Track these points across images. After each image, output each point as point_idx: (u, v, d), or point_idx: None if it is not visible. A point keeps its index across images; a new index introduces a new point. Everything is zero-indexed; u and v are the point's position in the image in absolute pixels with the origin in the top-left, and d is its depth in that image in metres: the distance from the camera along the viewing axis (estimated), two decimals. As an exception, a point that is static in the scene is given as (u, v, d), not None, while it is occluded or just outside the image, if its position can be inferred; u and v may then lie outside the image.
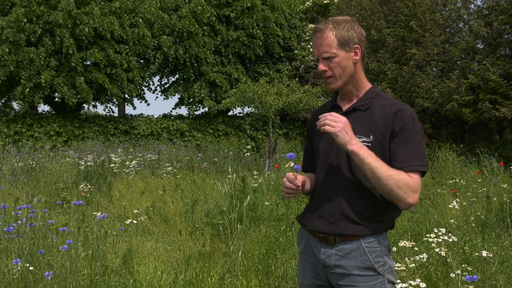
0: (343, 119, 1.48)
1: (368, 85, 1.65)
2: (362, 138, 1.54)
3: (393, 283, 1.58)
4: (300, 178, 1.56)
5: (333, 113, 1.49)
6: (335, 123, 1.45)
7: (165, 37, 13.39)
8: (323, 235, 1.60)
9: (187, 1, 14.15)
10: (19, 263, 2.87)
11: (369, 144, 1.52)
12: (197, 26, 13.35)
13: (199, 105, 14.63)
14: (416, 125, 1.53)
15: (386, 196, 1.50)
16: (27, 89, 11.19)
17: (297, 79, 14.63)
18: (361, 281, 1.53)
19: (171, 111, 15.44)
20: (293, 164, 1.55)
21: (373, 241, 1.55)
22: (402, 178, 1.45)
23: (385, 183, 1.44)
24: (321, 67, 1.57)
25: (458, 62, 9.82)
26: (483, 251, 2.92)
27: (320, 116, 1.51)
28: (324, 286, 1.66)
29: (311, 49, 14.69)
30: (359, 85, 1.63)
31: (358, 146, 1.45)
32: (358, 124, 1.57)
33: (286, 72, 15.31)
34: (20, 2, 10.95)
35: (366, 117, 1.57)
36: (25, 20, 10.88)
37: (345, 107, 1.65)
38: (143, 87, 14.51)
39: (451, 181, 6.20)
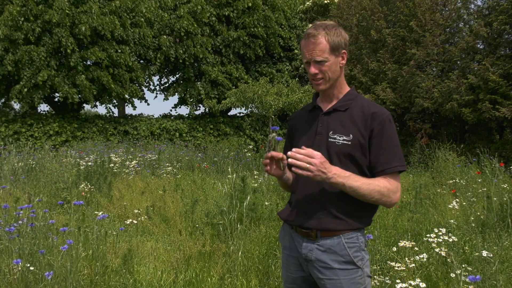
0: (317, 155, 1.47)
1: (347, 88, 1.75)
2: (343, 137, 1.62)
3: (369, 276, 1.67)
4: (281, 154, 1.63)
5: (308, 151, 1.47)
6: (312, 166, 1.45)
7: (165, 37, 13.39)
8: (305, 230, 1.66)
9: (185, 0, 14.14)
10: (20, 263, 2.87)
11: (349, 143, 1.61)
12: (196, 26, 13.34)
13: (199, 105, 14.63)
14: (393, 127, 1.63)
15: (372, 203, 1.61)
16: (25, 89, 11.17)
17: (297, 79, 14.64)
18: (342, 274, 1.60)
19: (171, 111, 15.46)
20: (275, 134, 1.63)
21: (353, 237, 1.62)
22: (382, 186, 1.56)
23: (370, 197, 1.55)
24: (313, 70, 1.64)
25: (458, 62, 9.82)
26: (483, 251, 2.92)
27: (290, 154, 1.47)
28: (308, 277, 1.73)
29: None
30: (341, 87, 1.73)
31: (335, 176, 1.50)
32: (338, 124, 1.66)
33: (287, 72, 15.32)
34: (18, 1, 10.94)
35: (345, 117, 1.66)
36: (22, 19, 10.86)
37: (326, 107, 1.74)
38: (143, 87, 14.52)
39: (451, 181, 6.20)
